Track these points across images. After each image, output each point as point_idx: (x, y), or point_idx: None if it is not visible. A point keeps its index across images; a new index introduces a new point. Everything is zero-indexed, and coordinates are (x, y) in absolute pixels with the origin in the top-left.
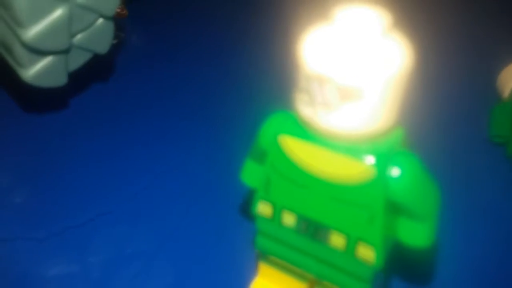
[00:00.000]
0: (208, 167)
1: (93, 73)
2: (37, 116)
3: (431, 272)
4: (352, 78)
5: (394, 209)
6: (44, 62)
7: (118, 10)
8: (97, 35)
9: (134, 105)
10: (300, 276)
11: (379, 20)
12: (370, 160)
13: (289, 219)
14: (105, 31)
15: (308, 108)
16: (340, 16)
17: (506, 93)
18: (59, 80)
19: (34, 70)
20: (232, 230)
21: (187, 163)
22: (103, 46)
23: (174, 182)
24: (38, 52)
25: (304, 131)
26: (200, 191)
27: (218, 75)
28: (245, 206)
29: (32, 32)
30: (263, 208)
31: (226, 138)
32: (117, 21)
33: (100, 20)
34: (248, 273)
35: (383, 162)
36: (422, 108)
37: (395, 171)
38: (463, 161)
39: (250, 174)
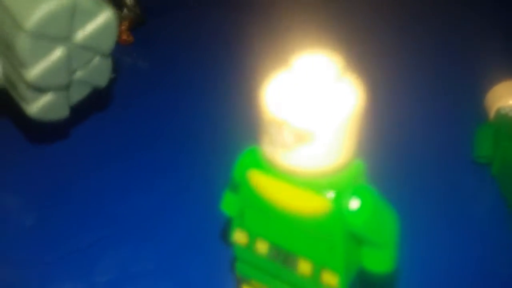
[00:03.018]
0: (202, 197)
1: (97, 101)
2: (44, 144)
3: None
4: (305, 121)
5: (356, 238)
6: (46, 98)
7: (124, 37)
8: (96, 70)
9: (137, 131)
10: None
11: (332, 66)
12: (328, 194)
13: (262, 247)
14: (104, 67)
15: (270, 148)
16: (297, 63)
17: (492, 114)
18: (61, 113)
19: (37, 106)
20: (223, 254)
21: (183, 192)
22: (102, 80)
23: (173, 207)
24: (40, 89)
25: (270, 167)
26: (198, 216)
27: (215, 104)
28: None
29: (34, 72)
30: (238, 236)
31: (218, 170)
32: (118, 52)
33: (98, 57)
34: None
35: (340, 196)
36: (407, 128)
37: (352, 205)
38: (448, 181)
39: (228, 204)
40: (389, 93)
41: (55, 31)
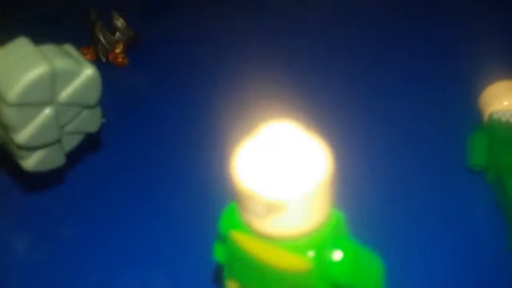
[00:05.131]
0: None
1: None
2: (43, 187)
3: None
4: (275, 192)
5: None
6: (40, 153)
7: (119, 60)
8: (85, 121)
9: (135, 164)
10: None
11: (300, 134)
12: (308, 253)
13: None
14: (93, 117)
15: (245, 215)
16: (264, 132)
17: (485, 116)
18: (58, 162)
19: (33, 160)
20: None
21: (177, 232)
22: (93, 127)
23: (170, 248)
24: (32, 149)
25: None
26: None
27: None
28: None
29: (23, 135)
30: (230, 285)
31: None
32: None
33: (85, 110)
34: None
35: (320, 253)
36: (402, 128)
37: (334, 256)
38: (443, 188)
39: (219, 252)
40: (380, 93)
41: (39, 97)
